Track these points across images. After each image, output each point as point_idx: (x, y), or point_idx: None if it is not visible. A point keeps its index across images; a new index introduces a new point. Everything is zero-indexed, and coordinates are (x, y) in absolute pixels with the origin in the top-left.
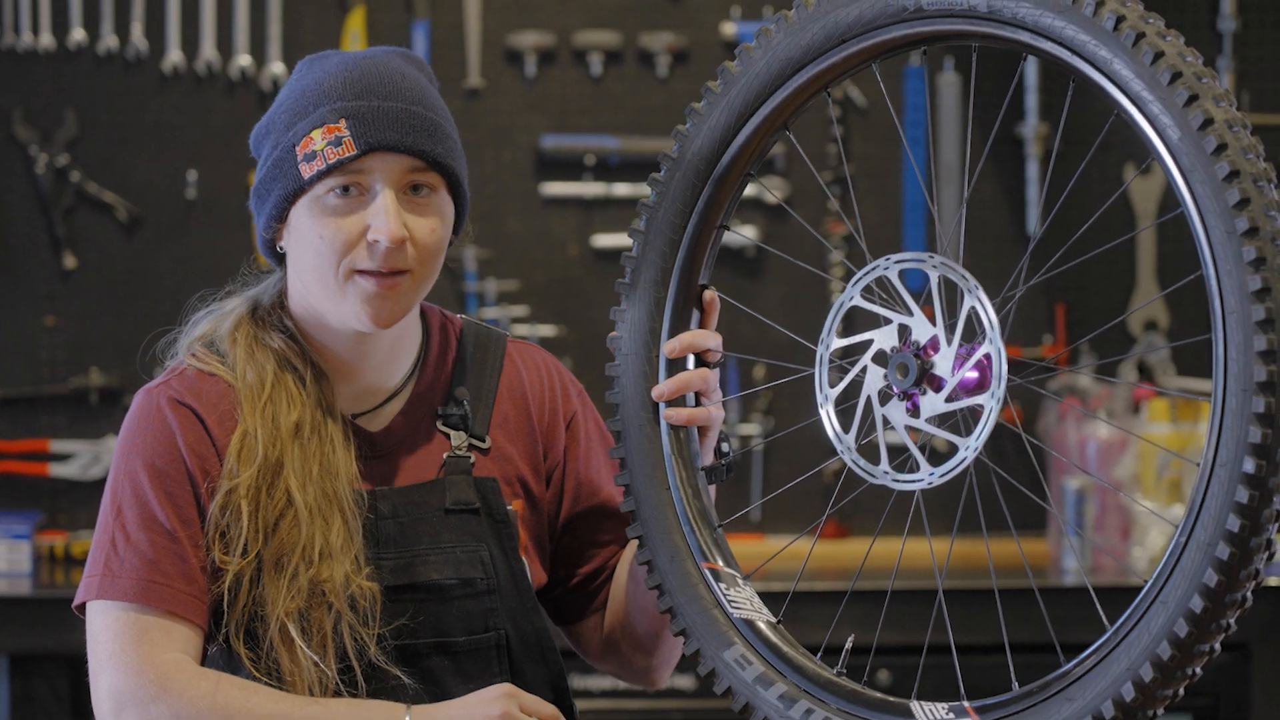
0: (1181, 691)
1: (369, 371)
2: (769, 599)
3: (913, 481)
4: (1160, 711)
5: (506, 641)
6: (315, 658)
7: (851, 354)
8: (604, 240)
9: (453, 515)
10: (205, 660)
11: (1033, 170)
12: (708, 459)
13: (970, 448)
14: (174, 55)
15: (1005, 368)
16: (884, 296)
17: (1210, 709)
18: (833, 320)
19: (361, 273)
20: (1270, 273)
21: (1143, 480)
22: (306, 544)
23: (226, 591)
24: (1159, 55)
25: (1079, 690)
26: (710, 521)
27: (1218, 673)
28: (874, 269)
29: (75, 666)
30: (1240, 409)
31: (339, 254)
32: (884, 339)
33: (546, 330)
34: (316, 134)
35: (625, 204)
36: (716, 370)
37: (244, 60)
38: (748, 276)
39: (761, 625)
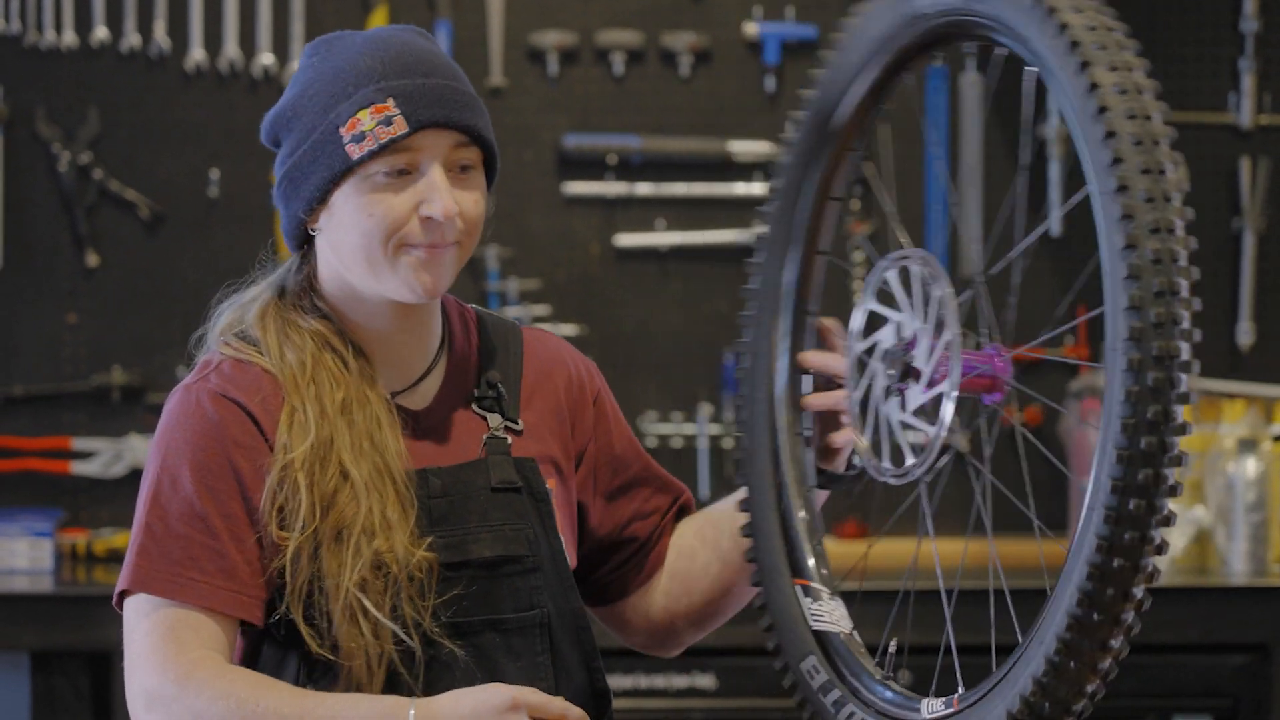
0: (1088, 690)
1: (403, 348)
2: None
3: (900, 475)
4: (1076, 709)
5: (548, 620)
6: (374, 630)
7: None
8: (626, 240)
9: (498, 494)
10: (265, 637)
11: (1055, 171)
12: (840, 468)
13: (937, 436)
14: (197, 53)
15: (959, 358)
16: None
17: (1229, 710)
18: (857, 328)
19: (411, 246)
20: (1139, 230)
21: None
22: (365, 516)
23: (288, 565)
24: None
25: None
26: (815, 536)
27: (1236, 674)
28: (877, 269)
29: (97, 664)
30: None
31: (390, 231)
32: (885, 339)
33: (568, 329)
34: (364, 114)
35: (647, 203)
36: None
37: (267, 59)
38: None
39: (834, 636)
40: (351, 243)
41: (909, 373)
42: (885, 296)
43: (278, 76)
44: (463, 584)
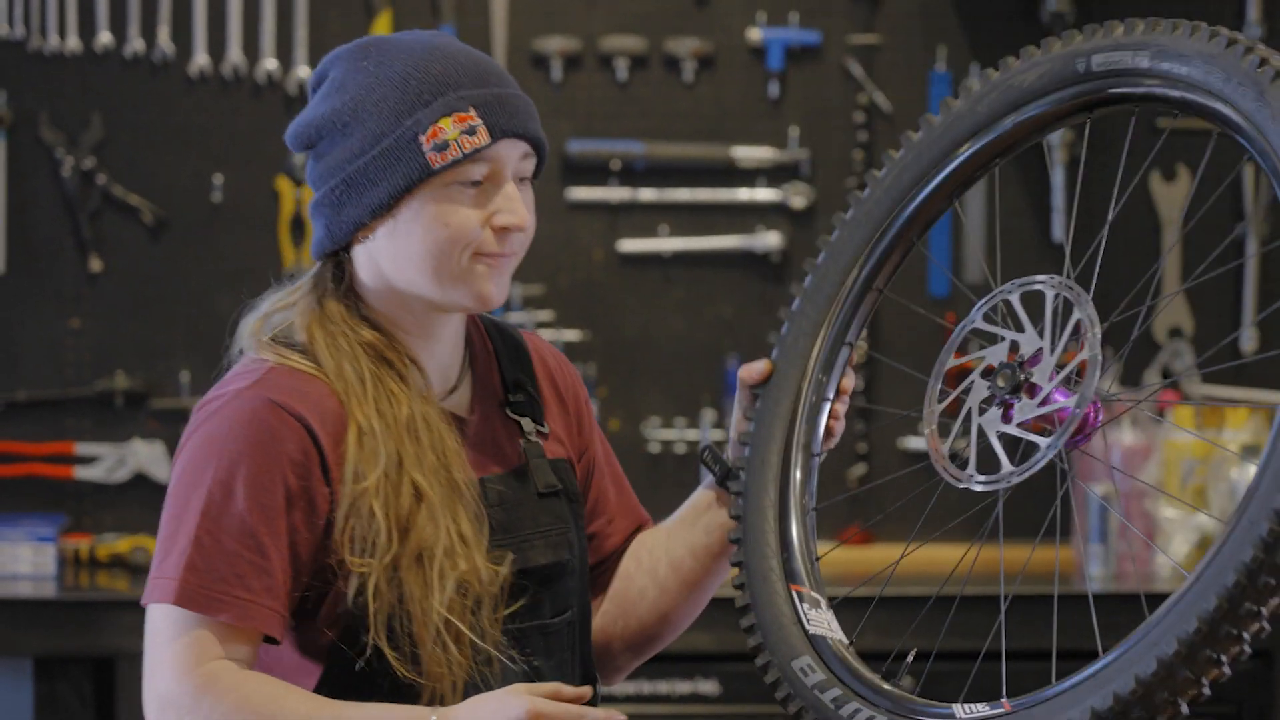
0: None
1: (444, 356)
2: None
3: (994, 482)
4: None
5: (578, 619)
6: (462, 651)
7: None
8: (629, 245)
9: (544, 499)
10: (344, 665)
11: (1058, 177)
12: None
13: (1051, 446)
14: (200, 58)
15: (1096, 376)
16: (1005, 318)
17: (1233, 716)
18: (954, 341)
19: (483, 255)
20: None
21: (1168, 486)
22: (445, 536)
23: (370, 596)
24: None
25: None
26: (810, 551)
27: (1240, 681)
28: (998, 293)
29: (100, 669)
30: None
31: (466, 240)
32: (995, 355)
33: (571, 335)
34: (446, 123)
35: (651, 209)
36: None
37: (270, 64)
38: (772, 282)
39: (831, 642)
40: (419, 251)
41: (1020, 388)
42: (991, 318)
43: (281, 82)
44: (525, 593)
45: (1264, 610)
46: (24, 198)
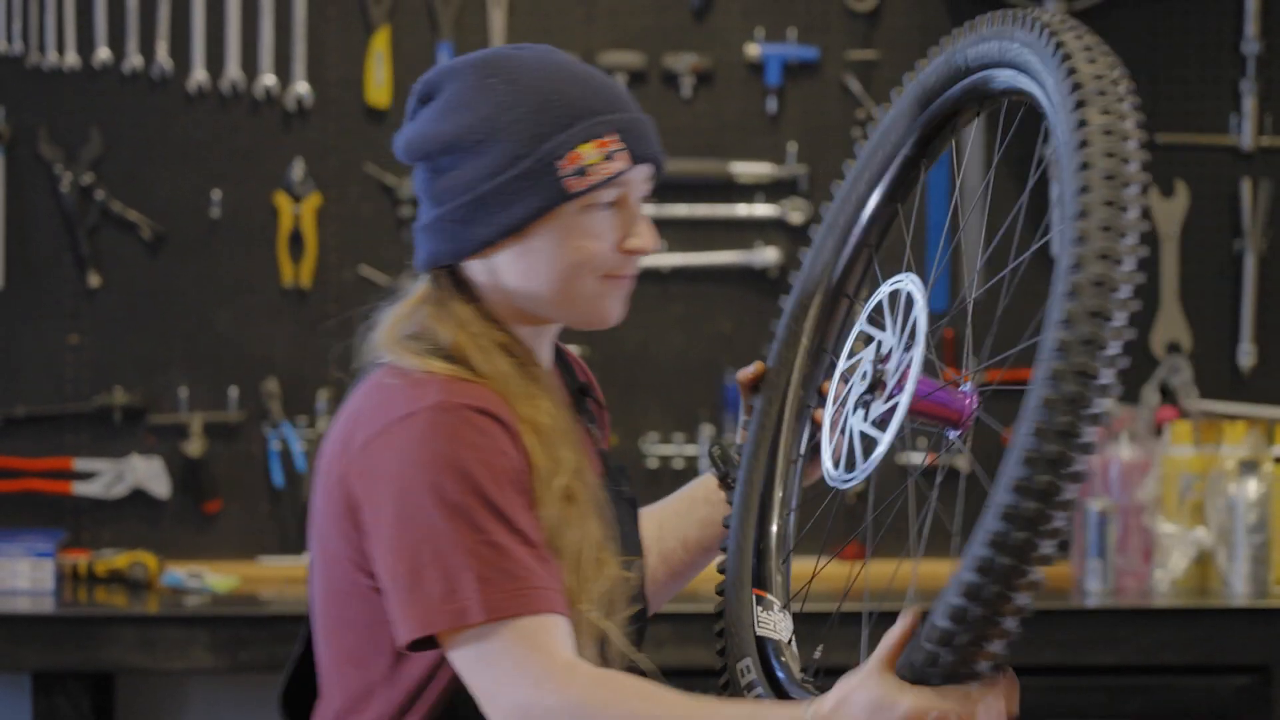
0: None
1: (546, 362)
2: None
3: (847, 479)
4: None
5: (643, 612)
6: (609, 652)
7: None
8: None
9: (622, 501)
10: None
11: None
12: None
13: (884, 442)
14: (199, 74)
15: (914, 369)
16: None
17: None
18: (847, 345)
19: (612, 276)
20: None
21: (1165, 503)
22: (593, 538)
23: None
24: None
25: None
26: (783, 554)
27: (1237, 695)
28: (875, 295)
29: (98, 684)
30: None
31: (599, 261)
32: (867, 355)
33: (570, 347)
34: (586, 149)
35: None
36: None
37: (269, 80)
38: (770, 297)
39: (772, 642)
40: (549, 272)
41: (878, 385)
42: (874, 320)
43: (279, 98)
44: (632, 593)
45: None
46: (22, 213)
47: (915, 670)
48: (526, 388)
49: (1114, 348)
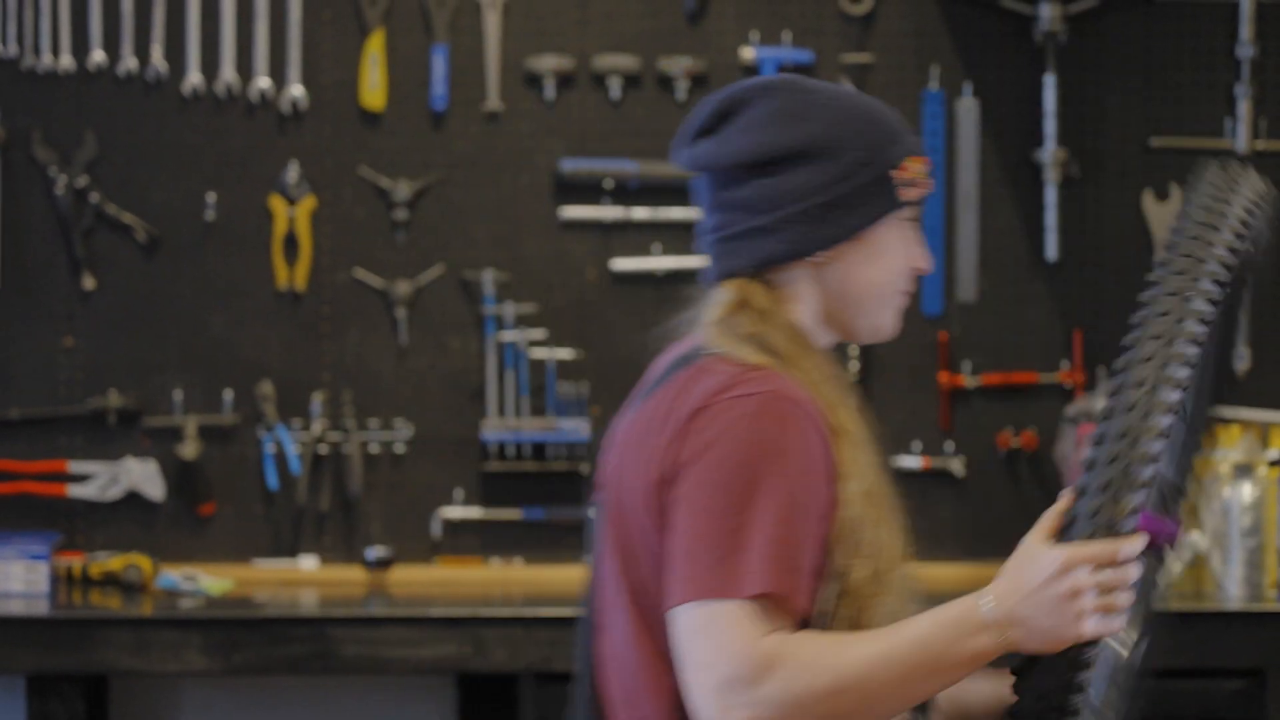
0: None
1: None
2: None
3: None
4: None
5: None
6: None
7: None
8: (622, 264)
9: None
10: None
11: (1051, 195)
12: None
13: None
14: (194, 77)
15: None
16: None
17: None
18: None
19: (902, 291)
20: None
21: None
22: (893, 539)
23: (842, 597)
24: None
25: None
26: None
27: (1232, 699)
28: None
29: (92, 687)
30: None
31: (905, 274)
32: None
33: (564, 354)
34: (912, 162)
35: (644, 228)
36: None
37: (263, 82)
38: None
39: None
40: (873, 276)
41: None
42: None
43: (274, 101)
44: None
45: None
46: (17, 216)
47: (1069, 536)
48: (839, 394)
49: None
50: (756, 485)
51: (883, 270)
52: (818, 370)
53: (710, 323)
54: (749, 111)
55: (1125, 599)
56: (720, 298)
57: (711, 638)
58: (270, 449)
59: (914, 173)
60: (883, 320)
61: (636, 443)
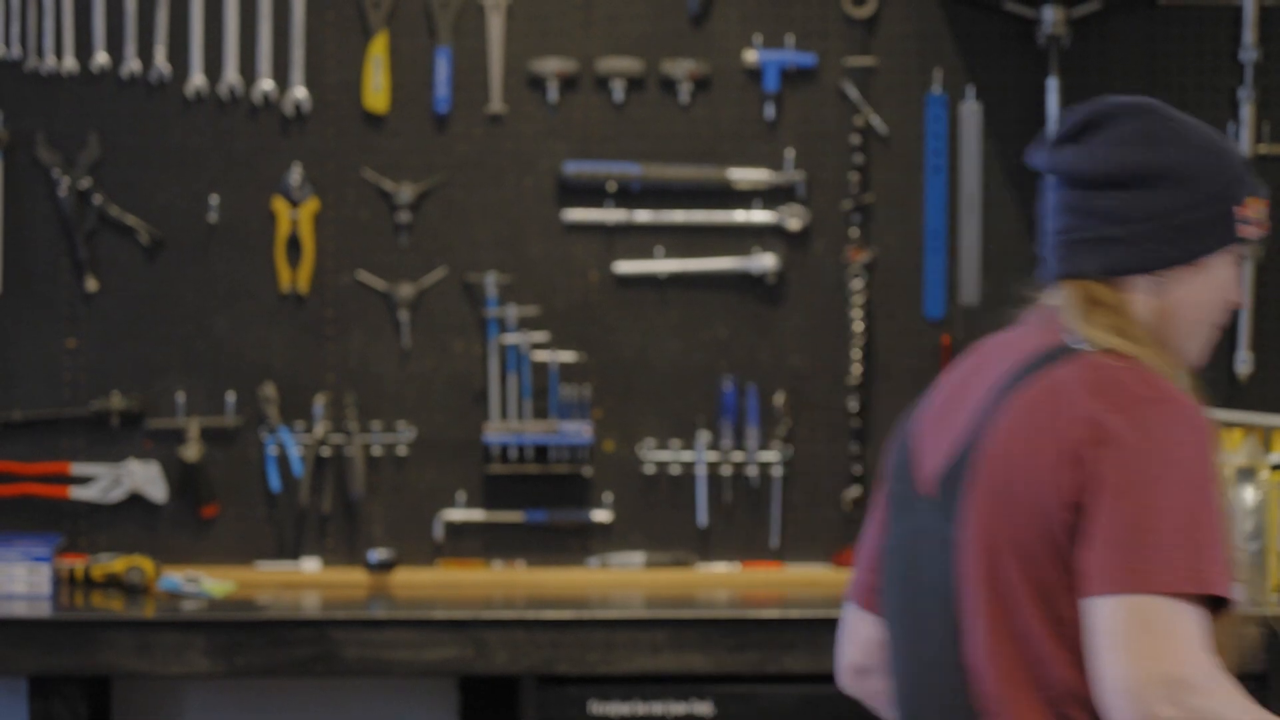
0: None
1: None
2: (787, 625)
3: None
4: None
5: None
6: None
7: None
8: (625, 267)
9: None
10: None
11: None
12: None
13: None
14: (197, 79)
15: None
16: None
17: None
18: None
19: (1217, 325)
20: None
21: None
22: (1231, 532)
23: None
24: None
25: None
26: None
27: None
28: None
29: (94, 689)
30: None
31: (1225, 307)
32: None
33: (567, 356)
34: (1254, 203)
35: (646, 231)
36: None
37: (267, 85)
38: (767, 304)
39: None
40: (1205, 304)
41: None
42: None
43: (278, 103)
44: None
45: None
46: (20, 218)
47: None
48: (1193, 393)
49: None
50: (1202, 486)
51: (1209, 299)
52: (1174, 368)
53: (1075, 317)
54: (1116, 127)
55: None
56: (1072, 294)
57: (1171, 634)
58: (273, 451)
59: (1254, 213)
60: (1196, 347)
61: (1027, 438)
